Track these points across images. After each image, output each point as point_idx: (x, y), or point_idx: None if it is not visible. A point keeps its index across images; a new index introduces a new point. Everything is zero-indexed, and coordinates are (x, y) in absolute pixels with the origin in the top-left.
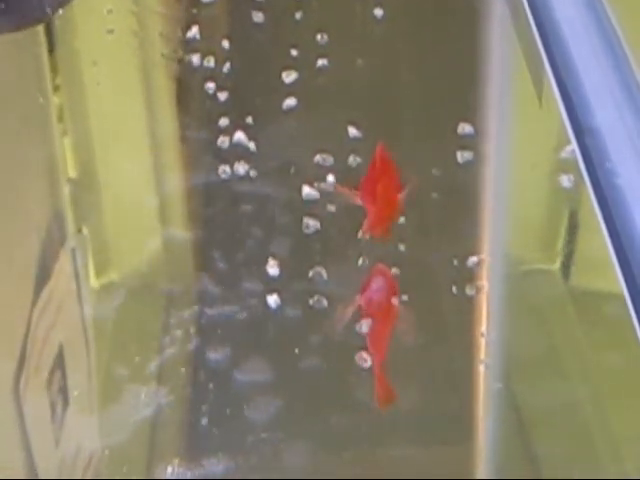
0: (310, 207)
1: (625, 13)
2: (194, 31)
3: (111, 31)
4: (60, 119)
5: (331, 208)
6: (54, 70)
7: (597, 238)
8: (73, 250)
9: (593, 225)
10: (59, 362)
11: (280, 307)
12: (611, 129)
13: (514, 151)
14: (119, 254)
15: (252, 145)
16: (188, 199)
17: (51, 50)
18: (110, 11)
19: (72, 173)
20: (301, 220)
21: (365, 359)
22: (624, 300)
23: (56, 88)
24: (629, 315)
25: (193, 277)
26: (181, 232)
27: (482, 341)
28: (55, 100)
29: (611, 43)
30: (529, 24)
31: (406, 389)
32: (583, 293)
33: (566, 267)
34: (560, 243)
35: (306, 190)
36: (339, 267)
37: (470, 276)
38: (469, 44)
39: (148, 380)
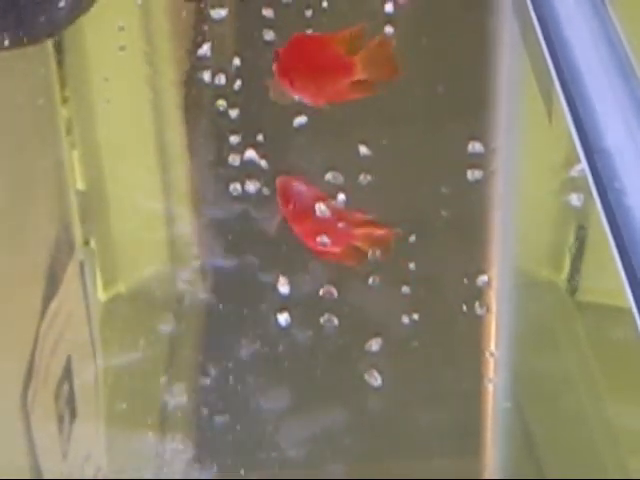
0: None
1: (637, 33)
2: (205, 49)
3: (123, 48)
4: (69, 131)
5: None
6: (63, 82)
7: (604, 254)
8: (81, 262)
9: (600, 241)
10: (67, 374)
11: (290, 325)
12: (621, 149)
13: (523, 169)
14: (126, 267)
15: (263, 163)
16: (197, 214)
17: (60, 62)
18: (122, 28)
19: (80, 185)
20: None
21: (375, 377)
22: (631, 316)
23: (64, 100)
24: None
25: (201, 290)
26: (189, 246)
27: (491, 360)
28: (64, 112)
29: (622, 63)
30: (539, 43)
31: (415, 408)
32: (591, 310)
33: (574, 284)
34: (568, 260)
35: (317, 207)
36: (350, 285)
37: (479, 295)
38: (479, 62)
39: (156, 391)
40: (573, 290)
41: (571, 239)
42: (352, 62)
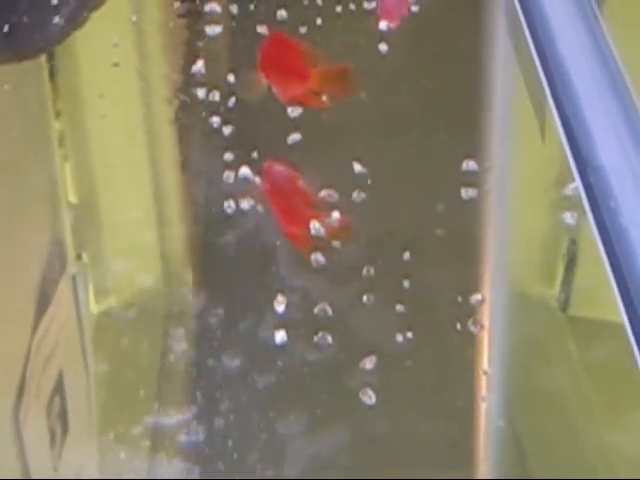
0: (317, 242)
1: (630, 50)
2: (199, 65)
3: (116, 64)
4: (61, 144)
5: (336, 244)
6: (55, 96)
7: (596, 268)
8: (73, 276)
9: (592, 255)
10: (59, 388)
11: (285, 343)
12: (615, 168)
13: (517, 187)
14: (118, 280)
15: (257, 180)
16: (190, 230)
17: (53, 76)
18: (116, 44)
19: (73, 198)
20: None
21: (369, 395)
22: (623, 331)
23: (57, 113)
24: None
25: (193, 305)
26: (182, 261)
27: (484, 378)
28: (56, 125)
29: (615, 80)
30: (532, 60)
31: (408, 426)
32: (583, 325)
33: (566, 299)
34: (560, 275)
35: (312, 226)
36: (344, 303)
37: (473, 313)
38: (472, 79)
39: (147, 406)
40: (565, 305)
41: (563, 254)
42: (309, 73)
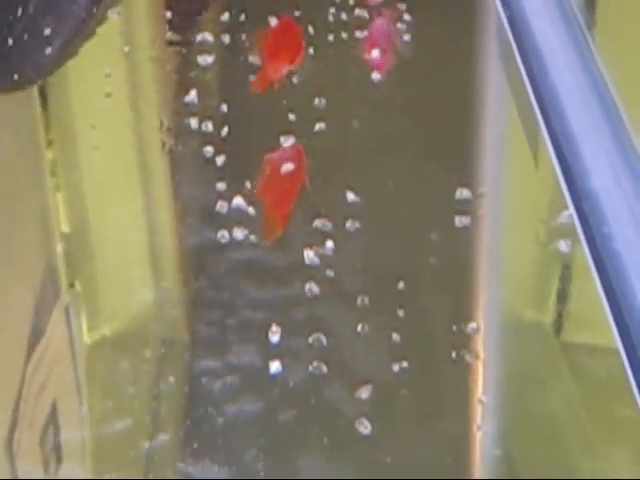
0: (311, 272)
1: (622, 77)
2: (192, 95)
3: (109, 94)
4: (53, 174)
5: (330, 273)
6: (47, 126)
7: (590, 294)
8: (66, 306)
9: (586, 282)
10: (52, 418)
11: (280, 373)
12: (608, 194)
13: (510, 215)
14: (111, 310)
15: (251, 210)
16: (183, 260)
17: (45, 106)
18: (108, 75)
19: (65, 228)
20: (302, 285)
21: (365, 425)
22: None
23: (49, 143)
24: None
25: (187, 335)
26: (175, 291)
27: (480, 407)
28: (48, 155)
29: (607, 107)
30: (525, 87)
31: (404, 455)
32: (577, 352)
33: (560, 326)
34: (553, 300)
35: (306, 255)
36: (339, 333)
37: (468, 342)
38: (465, 108)
39: (142, 436)
40: (559, 331)
41: (556, 279)
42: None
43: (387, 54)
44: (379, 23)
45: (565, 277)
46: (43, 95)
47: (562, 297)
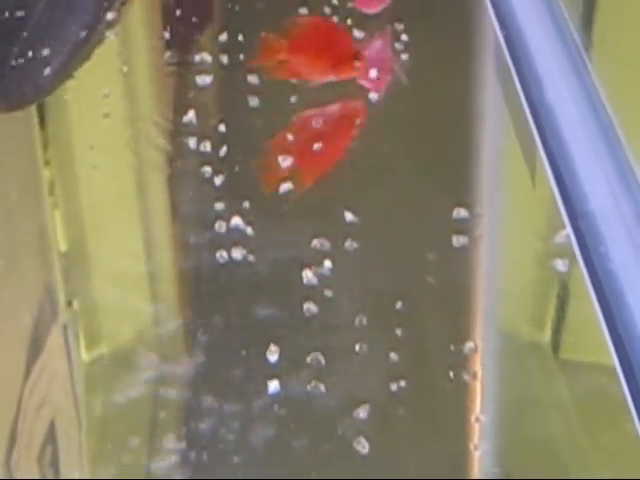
0: (309, 292)
1: (619, 97)
2: (190, 115)
3: (107, 115)
4: (51, 192)
5: (328, 293)
6: (45, 144)
7: (587, 310)
8: (64, 324)
9: (584, 299)
10: (51, 437)
11: (278, 392)
12: (605, 213)
13: (508, 234)
14: (109, 328)
15: (249, 230)
16: (181, 279)
17: (42, 124)
18: (107, 95)
19: (63, 246)
20: (300, 305)
21: (363, 444)
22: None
23: (47, 162)
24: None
25: (184, 353)
26: (173, 310)
27: (477, 426)
28: (46, 174)
29: (604, 126)
30: (523, 108)
31: (402, 474)
32: (575, 369)
33: (558, 344)
34: (551, 319)
35: (304, 275)
36: (337, 352)
37: (466, 361)
38: (463, 127)
39: (140, 453)
40: (556, 350)
41: (554, 298)
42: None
43: (384, 75)
44: (376, 44)
45: (563, 296)
46: (41, 114)
47: (560, 316)
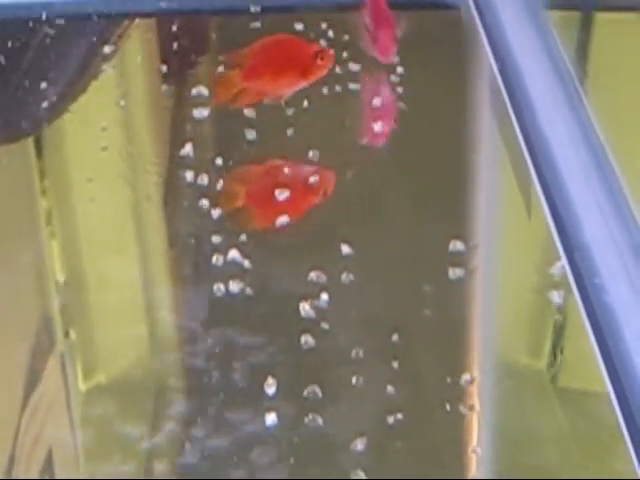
0: (306, 324)
1: (613, 130)
2: (187, 148)
3: (105, 148)
4: (48, 222)
5: (325, 325)
6: (42, 174)
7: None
8: (62, 354)
9: (581, 331)
10: (48, 466)
11: (276, 425)
12: (600, 245)
13: (503, 266)
14: (106, 358)
15: (247, 263)
16: (178, 309)
17: (39, 155)
18: (104, 128)
19: (60, 276)
20: (298, 337)
21: (361, 477)
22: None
23: (44, 192)
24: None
25: (181, 383)
26: (170, 340)
27: (474, 457)
28: (43, 203)
29: (599, 160)
30: (518, 140)
31: None
32: (573, 401)
33: (555, 373)
34: (548, 352)
35: (302, 307)
36: (334, 385)
37: (462, 393)
38: (458, 160)
39: None
40: (554, 380)
41: (550, 329)
42: None
43: (387, 126)
44: (380, 98)
45: (559, 326)
46: (38, 144)
47: (556, 347)
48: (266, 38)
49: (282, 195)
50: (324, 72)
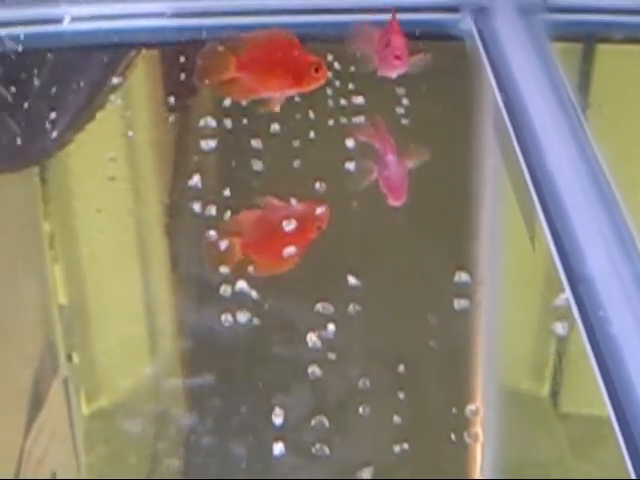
0: (313, 355)
1: (616, 159)
2: (195, 180)
3: (112, 178)
4: (51, 246)
5: (332, 356)
6: (45, 198)
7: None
8: (65, 378)
9: (584, 363)
10: None
11: (283, 454)
12: (604, 277)
13: (508, 297)
14: (110, 382)
15: (254, 294)
16: (182, 336)
17: (43, 178)
18: (113, 159)
19: (63, 300)
20: (305, 369)
21: None
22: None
23: (47, 215)
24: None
25: (185, 408)
26: (174, 365)
27: None
28: (46, 227)
29: (603, 190)
30: (522, 173)
31: None
32: (577, 430)
33: (559, 406)
34: (552, 383)
35: (309, 338)
36: (341, 415)
37: (468, 423)
38: (462, 192)
39: None
40: (558, 410)
41: (554, 360)
42: None
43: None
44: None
45: (563, 358)
46: (42, 169)
47: (560, 377)
48: (269, 31)
49: (279, 240)
50: (316, 85)
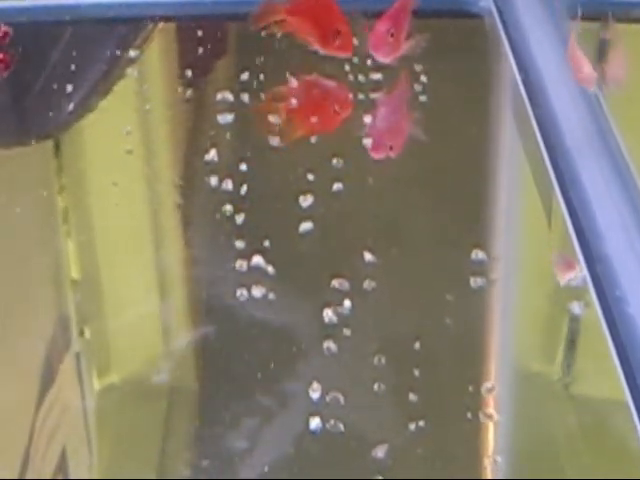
0: (329, 331)
1: (636, 141)
2: (212, 154)
3: (130, 151)
4: (65, 220)
5: (347, 332)
6: (59, 172)
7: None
8: (77, 354)
9: (600, 342)
10: (62, 465)
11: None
12: (622, 257)
13: (524, 276)
14: (121, 357)
15: (270, 269)
16: (195, 310)
17: (57, 151)
18: (129, 132)
19: (75, 275)
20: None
21: None
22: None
23: (61, 190)
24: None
25: (196, 383)
26: (185, 340)
27: (493, 466)
28: (60, 202)
29: (621, 170)
30: (540, 152)
31: None
32: (589, 411)
33: (572, 385)
34: (566, 362)
35: (325, 313)
36: (356, 391)
37: (483, 401)
38: (479, 171)
39: None
40: (571, 390)
41: (569, 339)
42: None
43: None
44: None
45: (579, 337)
46: (56, 142)
47: (574, 356)
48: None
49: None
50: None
